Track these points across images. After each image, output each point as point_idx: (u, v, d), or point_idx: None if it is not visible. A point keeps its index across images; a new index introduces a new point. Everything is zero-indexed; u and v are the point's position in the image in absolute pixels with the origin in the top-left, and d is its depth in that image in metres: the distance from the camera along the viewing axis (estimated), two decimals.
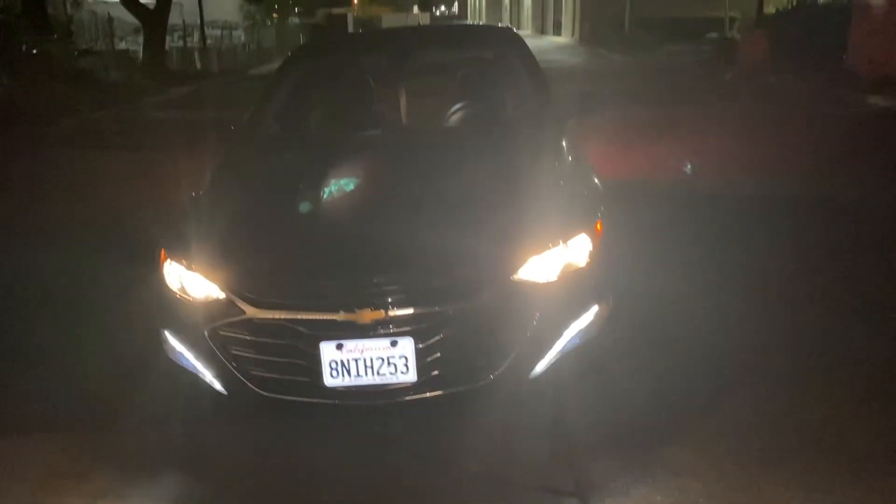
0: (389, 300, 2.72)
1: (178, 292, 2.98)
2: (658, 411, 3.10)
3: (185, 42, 25.44)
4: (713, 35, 23.99)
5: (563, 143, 3.63)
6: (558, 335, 2.85)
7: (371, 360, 2.74)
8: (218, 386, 2.93)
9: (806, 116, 10.40)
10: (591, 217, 3.05)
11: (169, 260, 3.05)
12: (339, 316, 2.70)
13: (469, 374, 2.80)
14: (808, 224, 5.45)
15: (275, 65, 24.48)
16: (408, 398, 2.77)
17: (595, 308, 2.93)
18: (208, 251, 2.98)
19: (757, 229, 5.33)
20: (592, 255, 2.94)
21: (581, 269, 2.91)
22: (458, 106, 4.18)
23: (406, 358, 2.73)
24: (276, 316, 2.77)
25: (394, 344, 2.72)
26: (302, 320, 2.74)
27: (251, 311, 2.79)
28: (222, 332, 2.86)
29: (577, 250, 2.92)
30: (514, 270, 2.80)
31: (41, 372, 3.74)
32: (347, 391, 2.77)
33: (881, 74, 11.46)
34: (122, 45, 23.98)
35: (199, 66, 22.85)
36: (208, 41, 26.00)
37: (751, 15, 22.95)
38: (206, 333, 2.87)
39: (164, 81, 18.52)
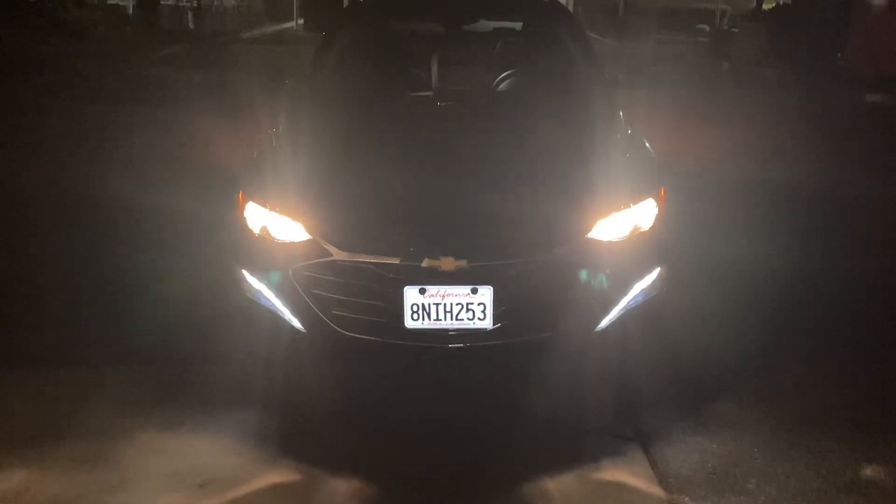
0: (472, 250, 2.86)
1: (260, 233, 3.10)
2: (712, 368, 3.31)
3: (177, 1, 25.07)
4: (704, 26, 24.28)
5: (620, 113, 3.79)
6: (624, 292, 3.03)
7: (451, 305, 2.88)
8: (297, 324, 3.05)
9: (805, 109, 10.67)
10: (656, 183, 3.22)
11: (250, 202, 3.15)
12: (425, 262, 2.84)
13: (540, 325, 2.96)
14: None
15: (267, 29, 24.20)
16: (483, 343, 2.93)
17: (658, 270, 3.11)
18: (292, 194, 3.09)
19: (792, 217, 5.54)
20: (657, 220, 3.12)
21: (646, 232, 3.08)
22: (505, 73, 4.32)
23: (484, 305, 2.88)
24: (363, 259, 2.90)
25: (474, 291, 2.87)
26: (388, 265, 2.88)
27: (338, 254, 2.92)
28: (306, 273, 2.98)
29: (643, 214, 3.09)
30: (588, 229, 2.96)
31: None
32: (426, 334, 2.91)
33: (879, 72, 11.76)
34: (111, 1, 23.61)
35: (191, 25, 22.56)
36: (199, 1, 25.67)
37: (740, 8, 23.27)
38: (290, 273, 3.00)
39: (156, 39, 18.30)
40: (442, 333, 2.91)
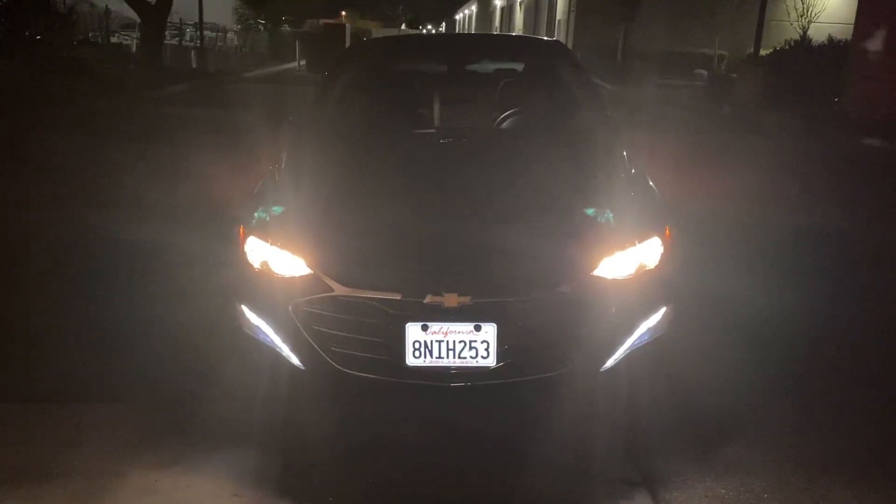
0: (476, 286, 2.82)
1: (260, 268, 3.06)
2: (720, 410, 3.25)
3: (180, 40, 25.39)
4: (702, 71, 24.57)
5: (624, 152, 3.78)
6: (630, 332, 2.98)
7: (454, 342, 2.83)
8: (296, 361, 2.99)
9: (804, 153, 10.73)
10: (662, 222, 3.19)
11: (251, 236, 3.12)
12: (427, 298, 2.80)
13: (545, 363, 2.91)
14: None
15: (269, 69, 24.55)
16: (486, 382, 2.87)
17: (664, 309, 3.07)
18: (293, 229, 3.06)
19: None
20: (663, 258, 3.08)
21: (652, 270, 3.04)
22: (507, 113, 4.33)
23: (488, 343, 2.83)
24: (364, 295, 2.86)
25: (477, 328, 2.82)
26: (389, 300, 2.83)
27: (339, 289, 2.88)
28: (306, 308, 2.93)
29: (649, 252, 3.05)
30: (594, 267, 2.92)
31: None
32: (428, 372, 2.86)
33: (874, 118, 11.86)
34: (115, 39, 23.89)
35: (194, 64, 22.81)
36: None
37: (737, 54, 23.56)
38: (289, 309, 2.95)
39: (160, 77, 18.48)
40: (444, 371, 2.85)
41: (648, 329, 3.02)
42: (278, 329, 3.01)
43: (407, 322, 2.82)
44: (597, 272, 2.92)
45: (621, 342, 2.96)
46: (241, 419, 3.16)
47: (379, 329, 2.86)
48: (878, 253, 5.68)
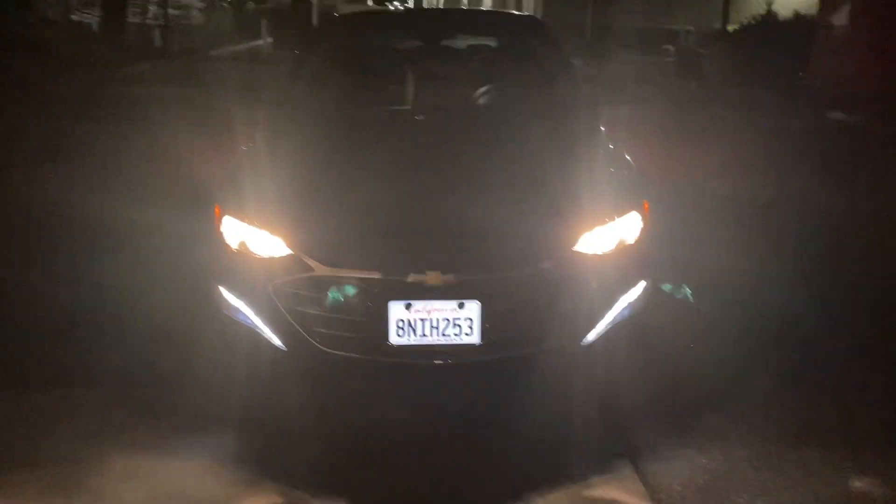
0: (459, 264, 2.81)
1: (238, 248, 3.02)
2: (699, 381, 3.31)
3: (143, 18, 24.83)
4: (669, 47, 24.63)
5: (601, 127, 3.78)
6: (610, 306, 3.00)
7: (437, 320, 2.83)
8: (277, 342, 2.97)
9: (772, 127, 10.82)
10: (639, 196, 3.20)
11: (227, 216, 3.07)
12: (410, 277, 2.78)
13: (527, 339, 2.92)
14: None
15: (235, 47, 24.01)
16: (470, 360, 2.87)
17: (643, 283, 3.09)
18: (270, 208, 3.02)
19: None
20: (642, 233, 3.10)
21: (631, 245, 3.06)
22: (484, 88, 4.30)
23: (471, 320, 2.83)
24: (346, 274, 2.83)
25: (461, 306, 2.81)
26: (372, 280, 2.81)
27: (320, 269, 2.85)
28: (286, 289, 2.91)
29: (628, 227, 3.07)
30: (574, 242, 2.93)
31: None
32: (411, 350, 2.85)
33: (840, 92, 12.01)
34: (75, 17, 23.26)
35: (158, 43, 22.33)
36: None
37: (704, 29, 23.65)
38: (269, 289, 2.92)
39: (123, 56, 18.04)
40: (428, 350, 2.85)
41: (628, 303, 3.05)
42: (258, 310, 2.98)
43: (389, 301, 2.81)
44: (577, 247, 2.93)
45: (602, 317, 2.98)
46: (221, 402, 3.13)
47: (361, 308, 2.85)
48: (851, 223, 5.74)
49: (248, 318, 3.01)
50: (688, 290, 3.35)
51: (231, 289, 3.06)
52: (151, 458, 2.81)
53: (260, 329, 2.99)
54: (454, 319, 2.83)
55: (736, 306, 4.08)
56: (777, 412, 3.13)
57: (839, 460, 2.80)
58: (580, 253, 2.93)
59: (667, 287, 3.22)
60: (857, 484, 2.68)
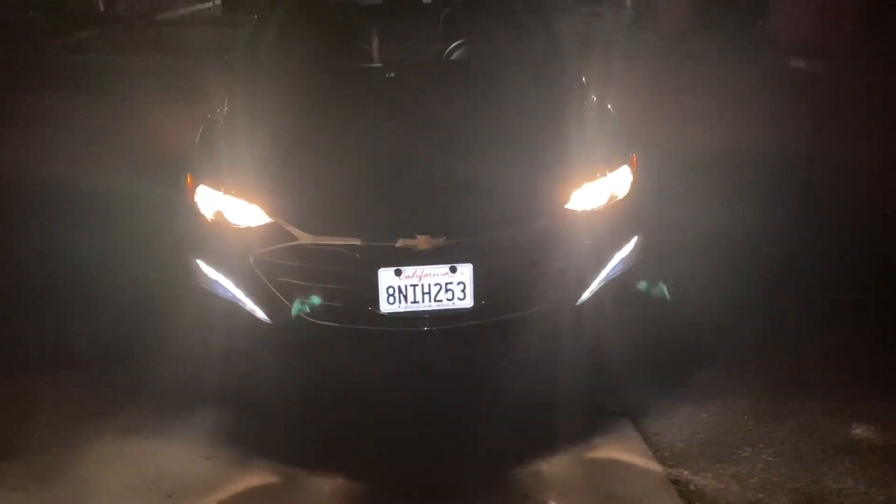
0: (449, 226, 2.70)
1: (214, 218, 2.87)
2: (694, 336, 3.27)
3: None
4: None
5: (584, 79, 3.67)
6: (604, 264, 2.93)
7: (429, 286, 2.72)
8: (261, 314, 2.84)
9: (734, 76, 10.81)
10: (628, 150, 3.11)
11: (201, 185, 2.92)
12: (399, 242, 2.67)
13: (522, 301, 2.83)
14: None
15: (183, 11, 23.17)
16: (463, 324, 2.78)
17: (635, 238, 3.02)
18: (247, 175, 2.87)
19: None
20: (632, 187, 3.02)
21: (623, 200, 2.98)
22: (455, 44, 4.14)
23: (464, 284, 2.73)
24: (331, 242, 2.71)
25: (453, 270, 2.71)
26: (359, 247, 2.69)
27: (303, 237, 2.72)
28: (269, 260, 2.77)
29: (619, 182, 2.98)
30: (567, 199, 2.84)
31: None
32: (403, 317, 2.75)
33: (799, 39, 12.04)
34: None
35: (102, 7, 21.48)
36: None
37: None
38: (251, 261, 2.78)
39: (66, 23, 17.30)
40: (420, 316, 2.75)
41: (621, 260, 2.98)
42: (239, 283, 2.84)
43: (379, 268, 2.69)
44: (570, 205, 2.84)
45: (596, 274, 2.91)
46: (206, 378, 3.01)
47: (350, 277, 2.73)
48: (824, 168, 5.73)
49: (228, 291, 2.88)
50: (664, 288, 3.28)
51: (209, 261, 2.92)
52: (137, 441, 2.69)
53: (242, 302, 2.86)
54: (446, 284, 2.72)
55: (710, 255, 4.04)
56: (772, 363, 3.11)
57: (838, 409, 2.79)
58: (573, 210, 2.84)
59: (642, 285, 3.15)
60: (858, 431, 2.67)
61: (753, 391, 2.90)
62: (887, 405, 2.80)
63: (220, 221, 2.86)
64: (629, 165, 3.03)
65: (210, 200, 2.88)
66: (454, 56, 4.08)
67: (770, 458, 2.55)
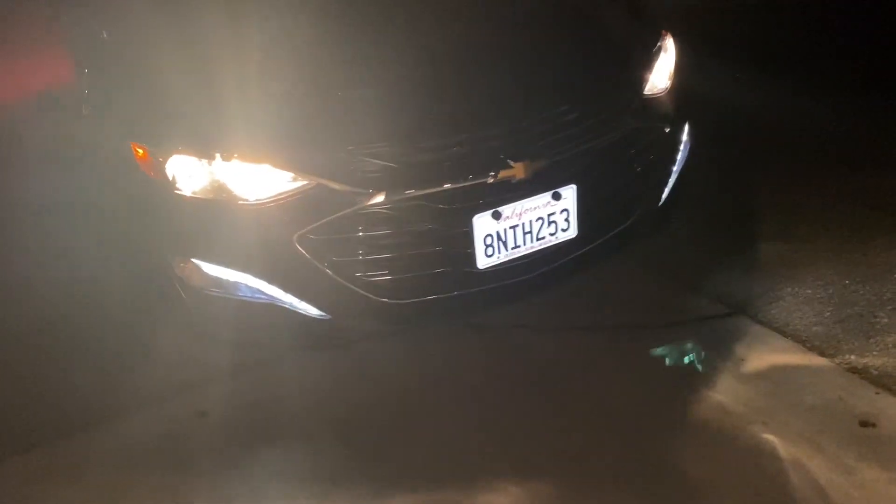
0: (545, 143, 2.13)
1: (213, 198, 2.03)
2: (753, 212, 3.05)
3: None
4: None
5: None
6: (677, 152, 2.55)
7: (530, 223, 2.16)
8: (314, 311, 2.11)
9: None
10: (661, 30, 2.68)
11: (174, 156, 2.03)
12: (492, 177, 2.06)
13: (619, 216, 2.38)
14: None
15: None
16: (571, 257, 2.28)
17: (687, 123, 2.66)
18: (259, 131, 2.04)
19: None
20: (676, 64, 2.62)
21: (675, 77, 2.58)
22: None
23: (568, 211, 2.21)
24: (412, 195, 2.02)
25: (556, 197, 2.17)
26: (446, 194, 2.04)
27: (373, 197, 2.00)
28: (319, 237, 2.03)
29: (669, 59, 2.57)
30: (643, 85, 2.38)
31: None
32: (503, 270, 2.18)
33: None
34: None
35: None
36: None
37: None
38: (294, 242, 2.02)
39: None
40: (520, 263, 2.19)
41: (684, 143, 2.61)
42: (275, 275, 2.07)
43: (474, 214, 2.08)
44: (647, 91, 2.39)
45: (674, 164, 2.53)
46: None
47: (436, 235, 2.08)
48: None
49: (258, 290, 2.09)
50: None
51: (215, 258, 2.09)
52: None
53: (280, 300, 2.10)
54: (549, 215, 2.18)
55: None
56: (838, 217, 2.97)
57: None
58: (649, 98, 2.40)
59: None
60: None
61: (839, 256, 2.75)
62: None
63: (224, 200, 2.02)
64: (668, 44, 2.61)
65: (201, 174, 2.02)
66: None
67: None
